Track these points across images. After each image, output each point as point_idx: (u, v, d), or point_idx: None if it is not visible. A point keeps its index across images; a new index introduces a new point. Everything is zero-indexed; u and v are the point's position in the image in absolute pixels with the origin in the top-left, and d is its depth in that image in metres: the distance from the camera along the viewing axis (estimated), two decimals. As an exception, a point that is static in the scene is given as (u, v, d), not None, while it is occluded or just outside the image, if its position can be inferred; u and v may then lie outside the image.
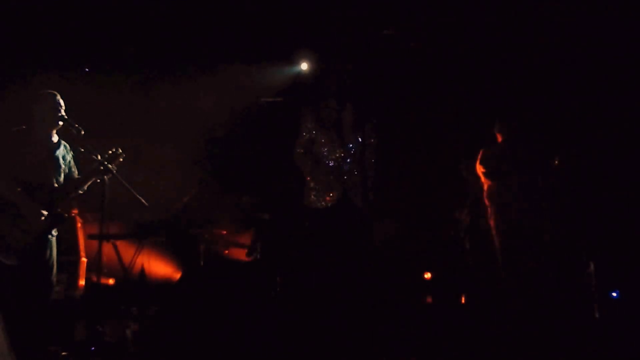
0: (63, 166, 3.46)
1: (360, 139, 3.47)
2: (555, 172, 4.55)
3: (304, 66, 7.66)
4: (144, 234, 5.71)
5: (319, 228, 3.43)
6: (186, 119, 8.18)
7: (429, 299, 7.22)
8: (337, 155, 3.42)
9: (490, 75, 6.60)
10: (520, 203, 4.43)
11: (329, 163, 3.42)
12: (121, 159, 3.65)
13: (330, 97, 3.50)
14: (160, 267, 7.06)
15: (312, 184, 3.47)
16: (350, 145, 3.46)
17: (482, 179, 4.71)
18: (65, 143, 3.55)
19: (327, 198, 3.38)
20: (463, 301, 5.85)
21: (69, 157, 3.55)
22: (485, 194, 4.74)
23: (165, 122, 8.01)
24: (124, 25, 6.75)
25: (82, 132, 3.45)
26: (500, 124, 4.72)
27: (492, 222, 4.64)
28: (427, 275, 7.76)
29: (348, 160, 3.43)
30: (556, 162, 4.56)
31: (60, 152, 3.46)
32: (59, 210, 3.38)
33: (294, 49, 7.40)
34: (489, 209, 4.68)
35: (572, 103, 6.20)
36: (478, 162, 4.71)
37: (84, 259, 6.00)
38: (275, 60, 7.55)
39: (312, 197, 3.43)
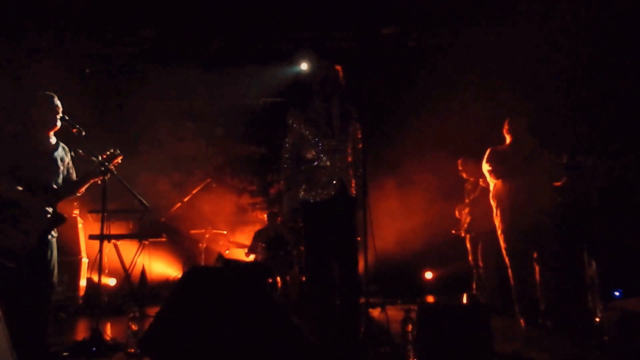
0: (61, 168, 3.46)
1: (349, 134, 3.48)
2: (562, 172, 4.54)
3: (304, 66, 7.68)
4: (145, 235, 5.72)
5: (315, 222, 3.41)
6: (187, 120, 8.22)
7: (429, 298, 7.23)
8: (327, 148, 3.40)
9: (488, 75, 6.61)
10: (526, 202, 4.43)
11: (319, 159, 3.41)
12: (119, 160, 3.65)
13: (318, 94, 3.51)
14: (160, 267, 7.07)
15: (301, 179, 3.46)
16: (340, 139, 3.45)
17: (489, 177, 4.70)
18: (64, 145, 3.55)
19: (321, 192, 3.37)
20: (464, 301, 5.84)
21: (67, 158, 3.54)
22: (491, 193, 4.74)
23: (167, 123, 8.04)
24: (124, 26, 6.77)
25: (84, 133, 3.46)
26: (511, 124, 4.69)
27: (498, 221, 4.64)
28: (428, 275, 7.78)
29: (338, 154, 3.42)
30: (564, 161, 4.53)
31: (58, 153, 3.46)
32: (58, 211, 3.38)
33: (294, 50, 7.41)
34: (495, 208, 4.67)
35: (578, 103, 6.20)
36: (485, 161, 4.70)
37: (84, 260, 6.01)
38: (275, 60, 7.56)
39: (303, 192, 3.42)
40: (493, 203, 4.70)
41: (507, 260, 4.59)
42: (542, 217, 4.41)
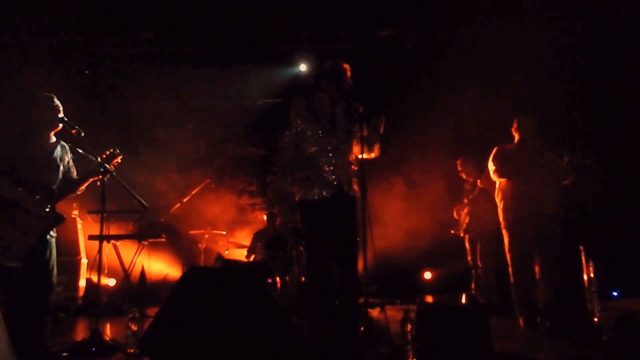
0: (61, 167, 3.47)
1: (353, 133, 3.48)
2: (565, 171, 4.55)
3: (303, 67, 7.68)
4: (144, 235, 5.71)
5: (314, 221, 3.40)
6: (187, 120, 8.22)
7: (429, 298, 7.24)
8: (328, 146, 3.39)
9: (486, 75, 6.62)
10: (530, 202, 4.44)
11: (318, 156, 3.40)
12: (119, 160, 3.66)
13: (323, 92, 3.49)
14: (160, 268, 7.07)
15: (300, 177, 3.44)
16: (342, 138, 3.44)
17: (493, 176, 4.71)
18: (64, 144, 3.56)
19: (320, 190, 3.36)
20: (464, 300, 5.85)
21: (67, 158, 3.55)
22: (496, 190, 4.75)
23: (166, 123, 8.04)
24: (124, 27, 6.77)
25: (82, 134, 3.46)
26: (519, 123, 4.70)
27: (501, 217, 4.65)
28: (427, 275, 7.79)
29: (339, 152, 3.41)
30: (565, 161, 4.54)
31: (57, 153, 3.47)
32: (58, 211, 3.39)
33: (293, 51, 7.42)
34: (499, 204, 4.68)
35: (577, 103, 6.21)
36: (491, 159, 4.71)
37: (84, 260, 6.01)
38: (275, 61, 7.57)
39: (302, 189, 3.41)
40: (497, 199, 4.71)
41: (508, 257, 4.59)
42: (544, 216, 4.42)
